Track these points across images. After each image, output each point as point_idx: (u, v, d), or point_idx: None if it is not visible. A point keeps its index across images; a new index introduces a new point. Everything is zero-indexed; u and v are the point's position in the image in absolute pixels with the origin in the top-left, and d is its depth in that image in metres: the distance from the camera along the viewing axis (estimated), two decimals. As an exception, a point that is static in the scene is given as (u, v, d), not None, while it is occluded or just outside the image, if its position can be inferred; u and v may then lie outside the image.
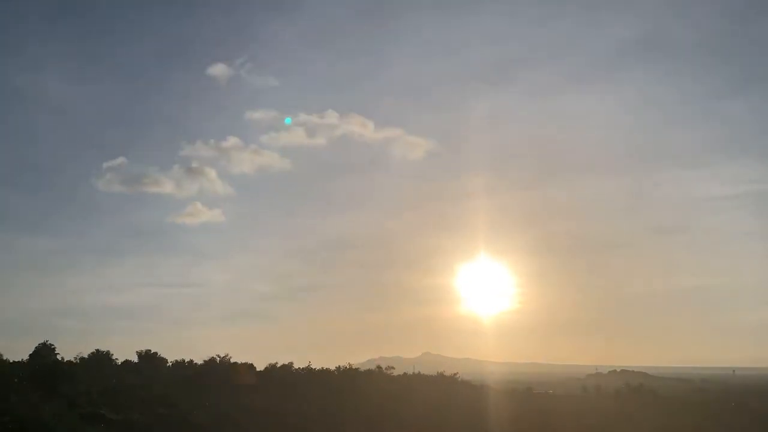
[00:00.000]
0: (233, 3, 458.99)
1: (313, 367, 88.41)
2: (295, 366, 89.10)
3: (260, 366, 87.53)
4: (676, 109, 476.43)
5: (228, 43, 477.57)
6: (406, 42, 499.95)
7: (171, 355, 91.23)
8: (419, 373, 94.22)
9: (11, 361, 75.82)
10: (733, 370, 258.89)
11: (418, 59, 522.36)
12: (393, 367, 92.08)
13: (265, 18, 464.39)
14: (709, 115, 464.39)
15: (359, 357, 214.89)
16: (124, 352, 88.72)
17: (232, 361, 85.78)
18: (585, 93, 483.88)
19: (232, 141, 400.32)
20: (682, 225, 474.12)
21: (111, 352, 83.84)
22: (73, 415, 45.11)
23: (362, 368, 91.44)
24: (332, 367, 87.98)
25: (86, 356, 79.75)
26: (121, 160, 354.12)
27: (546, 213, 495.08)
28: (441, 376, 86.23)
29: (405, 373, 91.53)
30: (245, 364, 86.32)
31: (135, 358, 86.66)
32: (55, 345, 77.24)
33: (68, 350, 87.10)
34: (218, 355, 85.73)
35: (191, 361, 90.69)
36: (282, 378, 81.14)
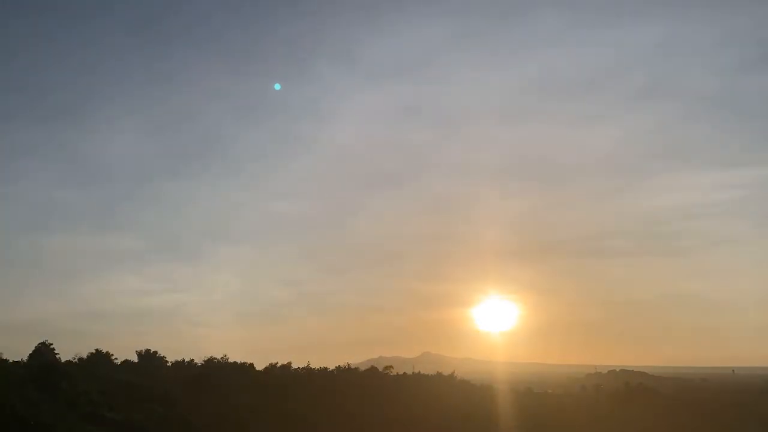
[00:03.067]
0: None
1: (312, 366, 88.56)
2: (295, 366, 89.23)
3: (260, 366, 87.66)
4: (669, 125, 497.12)
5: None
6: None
7: (171, 355, 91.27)
8: (419, 372, 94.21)
9: (11, 361, 75.79)
10: (733, 370, 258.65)
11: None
12: (392, 366, 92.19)
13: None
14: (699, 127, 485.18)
15: (359, 357, 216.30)
16: (125, 352, 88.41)
17: (231, 361, 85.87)
18: (585, 112, 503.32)
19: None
20: (678, 229, 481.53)
21: (111, 352, 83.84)
22: (73, 415, 45.09)
23: (362, 368, 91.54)
24: (332, 367, 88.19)
25: (86, 356, 79.68)
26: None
27: (547, 219, 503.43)
28: (440, 376, 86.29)
29: (404, 373, 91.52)
30: (245, 364, 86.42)
31: (135, 358, 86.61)
32: (55, 345, 77.33)
33: (68, 350, 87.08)
34: (218, 356, 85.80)
35: (191, 361, 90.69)
36: (282, 378, 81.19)
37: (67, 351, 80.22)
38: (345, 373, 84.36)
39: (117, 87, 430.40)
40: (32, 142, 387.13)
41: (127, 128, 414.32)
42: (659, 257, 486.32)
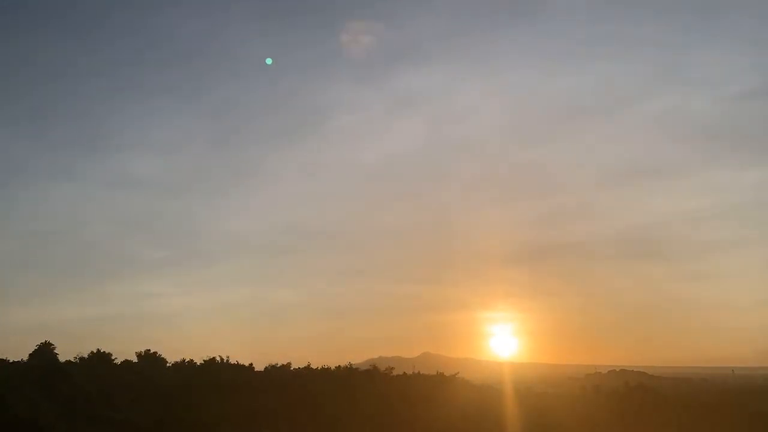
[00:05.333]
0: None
1: (312, 366, 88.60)
2: (294, 366, 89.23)
3: (260, 366, 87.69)
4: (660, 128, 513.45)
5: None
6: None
7: (171, 355, 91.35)
8: (419, 372, 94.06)
9: (11, 360, 75.83)
10: (733, 370, 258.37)
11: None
12: (393, 368, 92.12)
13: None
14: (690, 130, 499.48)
15: (359, 357, 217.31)
16: (127, 352, 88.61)
17: (231, 361, 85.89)
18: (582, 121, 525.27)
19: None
20: (673, 233, 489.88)
21: (111, 353, 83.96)
22: (73, 415, 45.10)
23: (362, 368, 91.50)
24: (332, 367, 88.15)
25: (86, 356, 79.76)
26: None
27: (547, 225, 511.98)
28: (440, 376, 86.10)
29: (404, 373, 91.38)
30: (245, 364, 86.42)
31: (135, 358, 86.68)
32: (60, 345, 77.47)
33: (68, 350, 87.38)
34: (218, 355, 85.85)
35: (191, 361, 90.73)
36: (281, 378, 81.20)
37: (69, 351, 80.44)
38: (345, 373, 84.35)
39: (156, 109, 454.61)
40: (70, 156, 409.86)
41: (159, 147, 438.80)
42: (659, 261, 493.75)
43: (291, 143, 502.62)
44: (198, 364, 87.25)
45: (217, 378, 73.76)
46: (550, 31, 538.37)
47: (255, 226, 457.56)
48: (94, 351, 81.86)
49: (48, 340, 77.11)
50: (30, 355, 75.43)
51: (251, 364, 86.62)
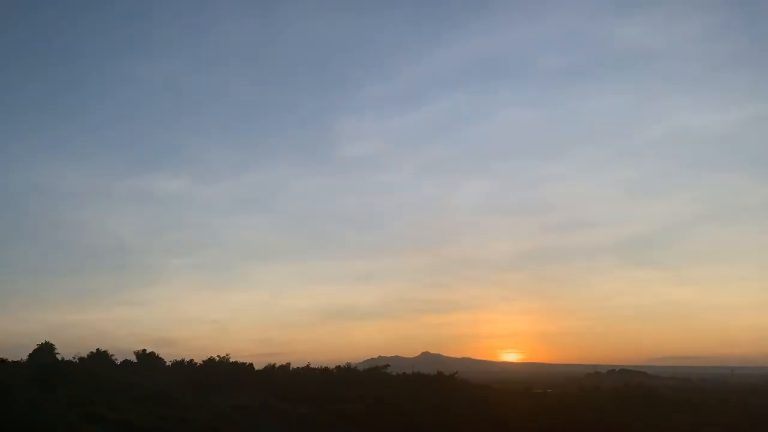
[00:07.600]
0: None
1: (312, 366, 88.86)
2: (294, 366, 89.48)
3: (259, 366, 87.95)
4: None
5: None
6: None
7: (170, 355, 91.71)
8: (418, 372, 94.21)
9: (11, 360, 75.96)
10: (732, 370, 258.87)
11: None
12: (389, 365, 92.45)
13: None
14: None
15: (358, 356, 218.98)
16: (125, 352, 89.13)
17: (231, 360, 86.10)
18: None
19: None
20: (668, 235, 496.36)
21: (111, 353, 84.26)
22: (73, 415, 45.08)
23: (361, 368, 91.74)
24: (331, 367, 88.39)
25: (86, 356, 79.98)
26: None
27: (546, 228, 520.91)
28: (440, 376, 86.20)
29: (404, 373, 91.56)
30: (244, 364, 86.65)
31: (134, 358, 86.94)
32: (55, 344, 77.72)
33: (68, 350, 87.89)
34: (218, 355, 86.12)
35: (191, 360, 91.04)
36: (281, 378, 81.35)
37: (69, 351, 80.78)
38: (345, 372, 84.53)
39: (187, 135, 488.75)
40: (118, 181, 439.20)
41: (192, 172, 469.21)
42: (657, 266, 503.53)
43: (310, 164, 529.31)
44: (198, 364, 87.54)
45: (217, 377, 73.91)
46: (558, 56, 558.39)
47: (266, 236, 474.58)
48: (94, 351, 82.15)
49: (48, 340, 77.40)
50: (30, 354, 75.62)
51: (251, 364, 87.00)
